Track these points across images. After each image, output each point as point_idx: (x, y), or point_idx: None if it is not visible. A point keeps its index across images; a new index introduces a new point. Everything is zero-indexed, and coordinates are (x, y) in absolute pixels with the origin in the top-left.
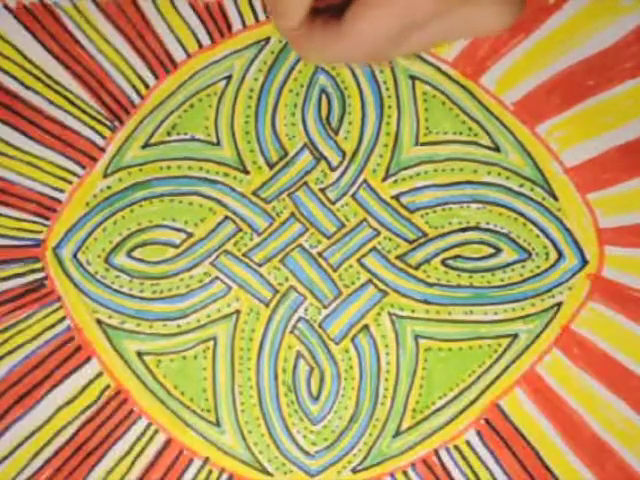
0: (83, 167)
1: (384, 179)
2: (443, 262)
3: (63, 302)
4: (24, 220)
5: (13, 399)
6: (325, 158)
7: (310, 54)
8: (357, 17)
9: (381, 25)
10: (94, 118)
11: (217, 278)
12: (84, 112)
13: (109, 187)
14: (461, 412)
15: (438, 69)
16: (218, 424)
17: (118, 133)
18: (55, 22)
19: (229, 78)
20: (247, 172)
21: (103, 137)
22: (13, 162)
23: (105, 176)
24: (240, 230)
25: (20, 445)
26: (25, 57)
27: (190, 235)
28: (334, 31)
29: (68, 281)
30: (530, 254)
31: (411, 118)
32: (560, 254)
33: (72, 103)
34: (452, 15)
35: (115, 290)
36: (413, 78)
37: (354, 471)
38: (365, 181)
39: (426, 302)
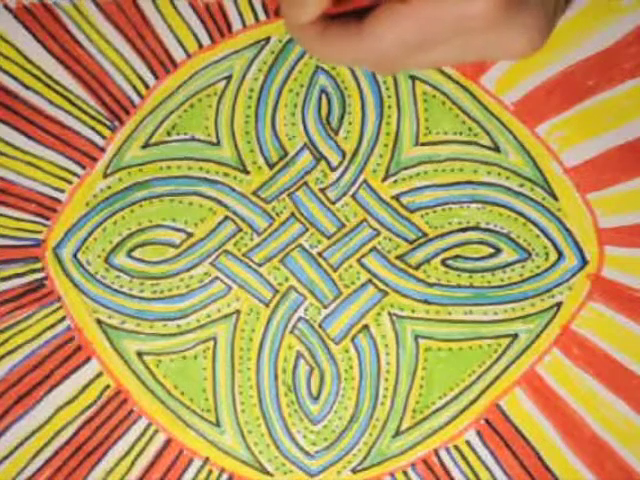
0: (83, 167)
1: (384, 179)
2: (443, 262)
3: (63, 302)
4: (24, 220)
5: (13, 399)
6: (325, 158)
7: (322, 52)
8: (380, 22)
9: (402, 34)
10: (94, 118)
11: (217, 278)
12: (84, 112)
13: (109, 187)
14: (461, 412)
15: (438, 69)
16: (218, 424)
17: (118, 133)
18: (55, 22)
19: (229, 78)
20: (247, 172)
21: (103, 137)
22: (13, 162)
23: (105, 176)
24: (240, 230)
25: (20, 445)
26: (25, 57)
27: (190, 235)
28: (353, 32)
29: (68, 281)
30: (530, 254)
31: (411, 118)
32: (560, 254)
33: (72, 103)
34: (474, 37)
35: (115, 290)
36: (413, 78)
37: (354, 471)
38: (365, 181)
39: (426, 302)
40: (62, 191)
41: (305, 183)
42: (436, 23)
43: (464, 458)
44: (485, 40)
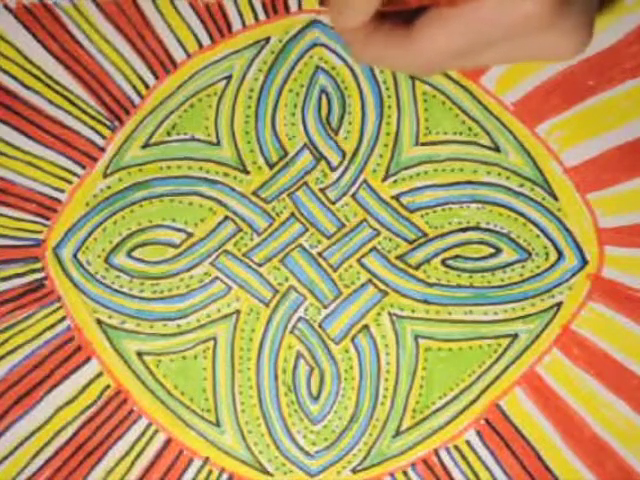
0: (83, 167)
1: (384, 179)
2: (443, 262)
3: (63, 302)
4: (24, 220)
5: (13, 399)
6: (325, 158)
7: (370, 57)
8: (430, 29)
9: (453, 41)
10: (94, 118)
11: (217, 278)
12: (84, 112)
13: (109, 187)
14: (461, 412)
15: None
16: (218, 424)
17: (118, 133)
18: (55, 22)
19: (229, 78)
20: (247, 172)
21: (103, 137)
22: (13, 162)
23: (105, 176)
24: (240, 230)
25: (20, 445)
26: (25, 57)
27: (190, 235)
28: (401, 37)
29: (68, 281)
30: (530, 254)
31: (411, 118)
32: (560, 254)
33: (72, 103)
34: (523, 40)
35: (115, 290)
36: (413, 78)
37: (354, 471)
38: (365, 181)
39: (426, 302)
40: (62, 191)
41: (305, 183)
42: (487, 27)
43: (464, 458)
44: (533, 42)
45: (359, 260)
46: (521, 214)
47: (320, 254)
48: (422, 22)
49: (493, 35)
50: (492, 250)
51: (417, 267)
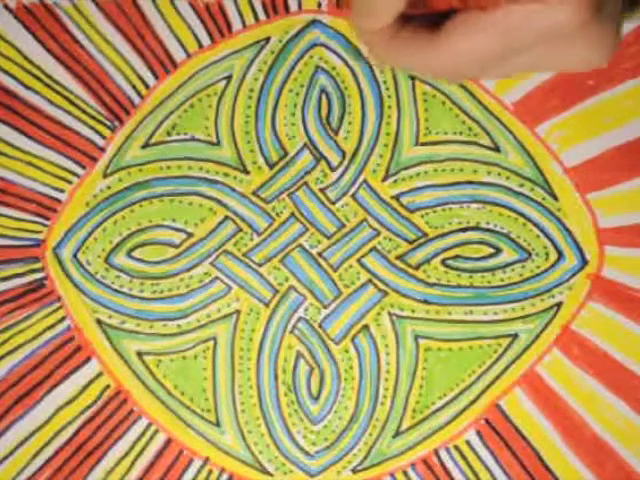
0: (83, 167)
1: (384, 179)
2: (443, 262)
3: (63, 302)
4: (24, 220)
5: (13, 399)
6: (325, 158)
7: (392, 59)
8: (456, 34)
9: (481, 44)
10: (94, 118)
11: (217, 278)
12: (84, 112)
13: (109, 187)
14: (461, 412)
15: None
16: (218, 424)
17: (118, 133)
18: (55, 22)
19: (229, 78)
20: (247, 172)
21: (103, 137)
22: (13, 162)
23: (105, 176)
24: (240, 230)
25: (20, 445)
26: (25, 57)
27: (190, 235)
28: (426, 40)
29: (68, 281)
30: (530, 254)
31: (411, 118)
32: (560, 254)
33: (72, 103)
34: (547, 49)
35: (115, 290)
36: (413, 78)
37: (354, 471)
38: (365, 181)
39: (426, 302)
40: (62, 191)
41: (305, 183)
42: (517, 33)
43: (464, 458)
44: (561, 51)
45: (359, 260)
46: (521, 214)
47: (320, 254)
48: (451, 24)
49: (523, 41)
50: (492, 250)
51: (417, 267)
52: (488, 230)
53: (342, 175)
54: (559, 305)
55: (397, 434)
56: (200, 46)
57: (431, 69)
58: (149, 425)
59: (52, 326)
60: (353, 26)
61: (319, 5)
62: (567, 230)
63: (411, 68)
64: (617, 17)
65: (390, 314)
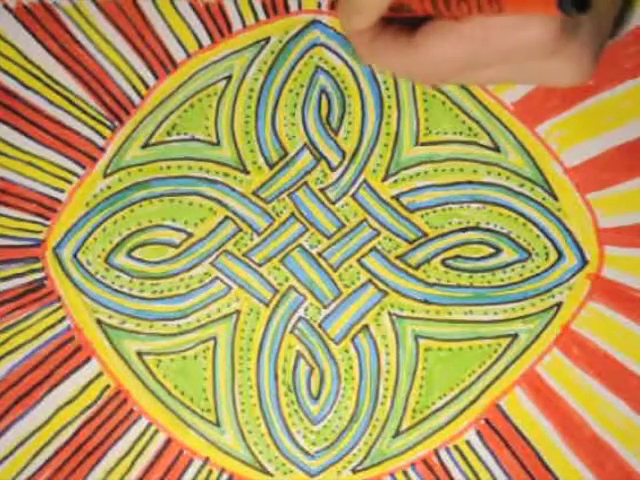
0: (83, 167)
1: (384, 179)
2: (443, 262)
3: (63, 302)
4: (24, 220)
5: (13, 399)
6: (325, 158)
7: (373, 59)
8: (430, 38)
9: (452, 52)
10: (94, 118)
11: (217, 278)
12: (84, 112)
13: (109, 187)
14: (461, 412)
15: None
16: (218, 424)
17: (118, 133)
18: (55, 22)
19: (229, 78)
20: (247, 172)
21: (103, 137)
22: (13, 162)
23: (105, 176)
24: (240, 230)
25: (20, 445)
26: (25, 57)
27: (190, 235)
28: (404, 43)
29: (68, 281)
30: (530, 254)
31: (411, 118)
32: (560, 254)
33: (72, 103)
34: (524, 63)
35: (115, 290)
36: None
37: (354, 471)
38: (365, 181)
39: (426, 302)
40: (62, 191)
41: (305, 183)
42: (488, 47)
43: (464, 458)
44: (535, 67)
45: (359, 260)
46: (521, 214)
47: (320, 254)
48: (424, 30)
49: (494, 55)
50: (492, 250)
51: (417, 267)
52: (488, 230)
53: (342, 175)
54: (559, 305)
55: (397, 434)
56: (200, 46)
57: (408, 72)
58: (149, 425)
59: (52, 326)
60: (341, 26)
61: (319, 5)
62: (567, 230)
63: (390, 69)
64: (599, 38)
65: (390, 314)
